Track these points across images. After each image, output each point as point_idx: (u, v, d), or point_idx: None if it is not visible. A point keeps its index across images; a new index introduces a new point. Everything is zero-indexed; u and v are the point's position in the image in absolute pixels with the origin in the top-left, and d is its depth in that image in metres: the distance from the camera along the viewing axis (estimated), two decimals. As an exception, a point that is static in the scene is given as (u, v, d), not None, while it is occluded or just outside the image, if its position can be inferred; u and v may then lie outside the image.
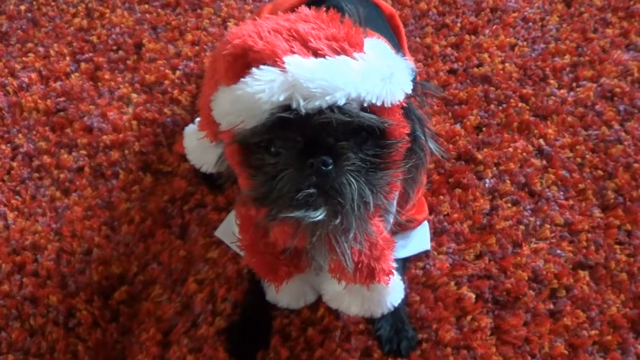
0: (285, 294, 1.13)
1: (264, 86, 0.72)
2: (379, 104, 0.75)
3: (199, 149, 1.25)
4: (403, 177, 0.85)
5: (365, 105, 0.75)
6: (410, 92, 0.80)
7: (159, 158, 1.46)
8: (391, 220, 1.00)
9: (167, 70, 1.61)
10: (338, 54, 0.75)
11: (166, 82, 1.59)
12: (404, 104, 0.80)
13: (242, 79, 0.75)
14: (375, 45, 0.81)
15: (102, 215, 1.39)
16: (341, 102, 0.72)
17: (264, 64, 0.74)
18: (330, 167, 0.74)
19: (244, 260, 1.02)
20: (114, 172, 1.46)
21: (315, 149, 0.75)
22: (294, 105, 0.71)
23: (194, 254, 1.30)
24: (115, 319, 1.25)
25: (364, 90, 0.74)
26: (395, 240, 0.97)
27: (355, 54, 0.75)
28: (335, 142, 0.76)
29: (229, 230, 1.13)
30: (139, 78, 1.61)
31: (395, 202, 0.97)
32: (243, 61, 0.76)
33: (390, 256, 0.94)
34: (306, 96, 0.71)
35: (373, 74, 0.75)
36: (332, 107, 0.72)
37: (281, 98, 0.71)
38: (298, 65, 0.72)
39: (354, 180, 0.76)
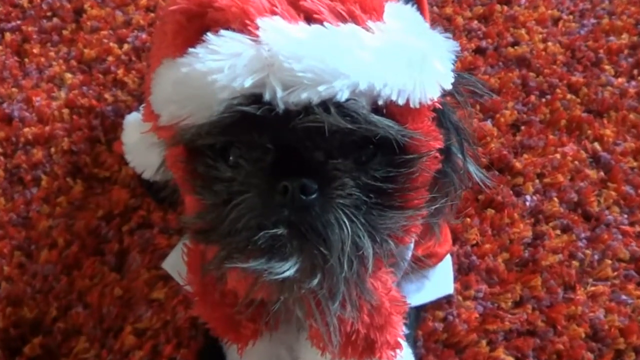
0: (253, 359, 0.94)
1: (223, 63, 0.59)
2: (401, 102, 0.61)
3: (141, 146, 1.08)
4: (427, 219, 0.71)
5: (380, 103, 0.61)
6: (449, 87, 0.66)
7: (94, 159, 1.29)
8: (405, 266, 0.87)
9: (112, 44, 1.45)
10: (344, 21, 0.62)
11: (110, 58, 1.42)
12: (438, 105, 0.65)
13: (191, 50, 0.62)
14: (401, 13, 0.67)
15: (16, 236, 1.20)
16: (342, 96, 0.58)
17: (228, 28, 0.61)
18: (313, 196, 0.61)
19: (195, 310, 0.86)
20: (35, 178, 1.27)
21: (293, 166, 0.61)
22: (267, 97, 0.58)
23: (134, 293, 1.13)
24: (25, 382, 1.08)
25: (379, 80, 0.59)
26: (407, 298, 0.82)
27: (369, 23, 0.62)
28: (325, 159, 0.62)
29: (181, 262, 0.94)
30: (76, 53, 1.44)
31: (412, 246, 0.85)
32: (199, 23, 0.64)
33: (399, 323, 0.80)
34: (288, 83, 0.58)
35: (396, 55, 0.61)
36: (326, 104, 0.58)
37: (247, 83, 0.58)
38: (279, 33, 0.59)
39: (346, 221, 0.62)
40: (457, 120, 0.73)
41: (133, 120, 1.14)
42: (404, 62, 0.62)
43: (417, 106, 0.62)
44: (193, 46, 0.62)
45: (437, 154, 0.67)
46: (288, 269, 0.63)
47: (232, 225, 0.63)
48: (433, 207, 0.69)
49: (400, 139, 0.62)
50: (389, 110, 0.62)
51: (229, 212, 0.63)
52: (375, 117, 0.60)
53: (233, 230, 0.63)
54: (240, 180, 0.64)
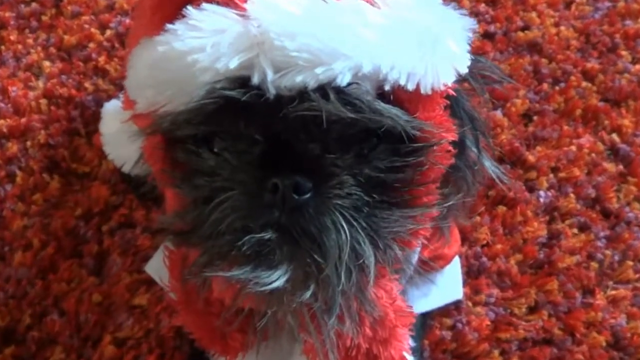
0: (243, 372, 0.93)
1: (205, 40, 0.56)
2: (410, 87, 0.57)
3: (121, 137, 1.04)
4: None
5: (387, 88, 0.57)
6: (465, 72, 0.62)
7: (72, 153, 1.27)
8: (411, 270, 0.83)
9: (93, 29, 1.43)
10: None
11: (91, 45, 1.41)
12: (452, 92, 0.62)
13: (169, 27, 0.59)
14: None
15: (-12, 237, 1.19)
16: (343, 80, 0.55)
17: (211, 1, 0.59)
18: (307, 195, 0.58)
19: (178, 320, 0.83)
20: (10, 173, 1.25)
21: (285, 161, 0.58)
22: (256, 80, 0.55)
23: (114, 298, 1.12)
24: (-4, 396, 1.06)
25: (386, 62, 0.56)
26: (412, 305, 0.77)
27: None
28: (321, 153, 0.59)
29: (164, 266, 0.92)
30: (56, 39, 1.43)
31: (419, 249, 0.81)
32: (180, -4, 0.63)
33: (405, 335, 0.76)
34: (280, 64, 0.55)
35: (404, 33, 0.58)
36: (325, 89, 0.55)
37: (233, 65, 0.55)
38: (270, 7, 0.56)
39: (345, 224, 0.59)
40: (472, 109, 0.68)
41: (112, 108, 1.12)
42: (413, 41, 0.58)
43: (429, 92, 0.58)
44: (172, 22, 0.59)
45: (450, 148, 0.63)
46: (277, 279, 0.59)
47: (214, 227, 0.60)
48: (444, 206, 0.64)
49: (409, 130, 0.57)
50: (396, 97, 0.58)
51: (210, 212, 0.60)
52: (381, 105, 0.56)
53: (215, 232, 0.60)
54: (224, 175, 0.60)
